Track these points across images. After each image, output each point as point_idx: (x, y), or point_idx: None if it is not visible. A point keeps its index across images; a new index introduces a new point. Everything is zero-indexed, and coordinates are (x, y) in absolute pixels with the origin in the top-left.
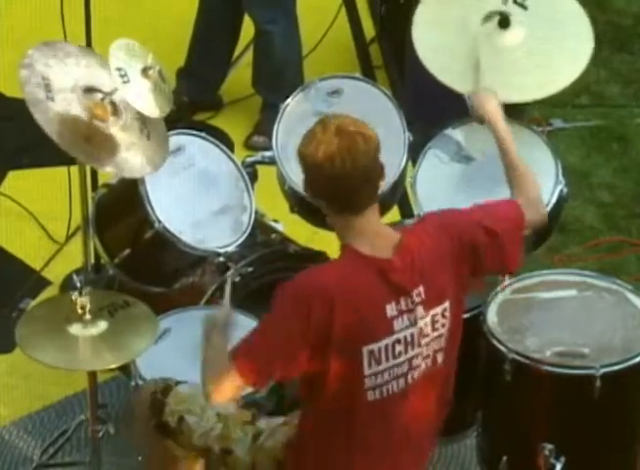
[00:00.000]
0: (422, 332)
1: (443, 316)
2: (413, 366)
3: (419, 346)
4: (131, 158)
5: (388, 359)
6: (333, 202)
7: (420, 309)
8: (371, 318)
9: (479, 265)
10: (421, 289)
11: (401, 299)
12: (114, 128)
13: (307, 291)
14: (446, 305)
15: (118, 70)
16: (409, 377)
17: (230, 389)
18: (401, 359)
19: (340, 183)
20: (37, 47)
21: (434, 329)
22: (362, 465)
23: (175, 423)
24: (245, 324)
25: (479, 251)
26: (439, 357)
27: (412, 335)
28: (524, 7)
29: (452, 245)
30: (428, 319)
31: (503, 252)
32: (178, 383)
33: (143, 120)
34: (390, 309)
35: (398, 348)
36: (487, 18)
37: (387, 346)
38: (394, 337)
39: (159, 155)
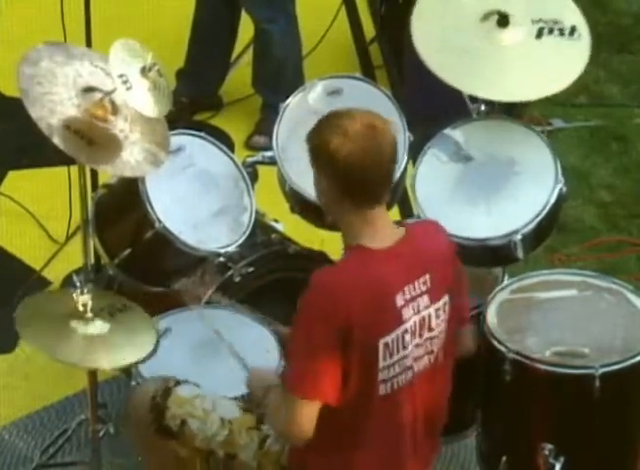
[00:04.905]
0: (425, 322)
1: (444, 311)
2: (416, 357)
3: (420, 336)
4: (131, 157)
5: (398, 351)
6: (355, 194)
7: (425, 298)
8: (384, 311)
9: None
10: (427, 277)
11: (406, 287)
12: (114, 128)
13: (323, 300)
14: (446, 298)
15: (120, 76)
16: (414, 370)
17: (305, 417)
18: (408, 350)
19: (367, 175)
20: (40, 47)
21: (437, 324)
22: (367, 463)
23: (177, 426)
24: (246, 324)
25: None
26: (441, 355)
27: (415, 323)
28: (540, 35)
29: (452, 258)
30: (432, 310)
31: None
32: (178, 383)
33: (143, 119)
34: (400, 299)
35: (407, 337)
36: (486, 16)
37: (397, 336)
38: (403, 327)
39: (159, 153)
